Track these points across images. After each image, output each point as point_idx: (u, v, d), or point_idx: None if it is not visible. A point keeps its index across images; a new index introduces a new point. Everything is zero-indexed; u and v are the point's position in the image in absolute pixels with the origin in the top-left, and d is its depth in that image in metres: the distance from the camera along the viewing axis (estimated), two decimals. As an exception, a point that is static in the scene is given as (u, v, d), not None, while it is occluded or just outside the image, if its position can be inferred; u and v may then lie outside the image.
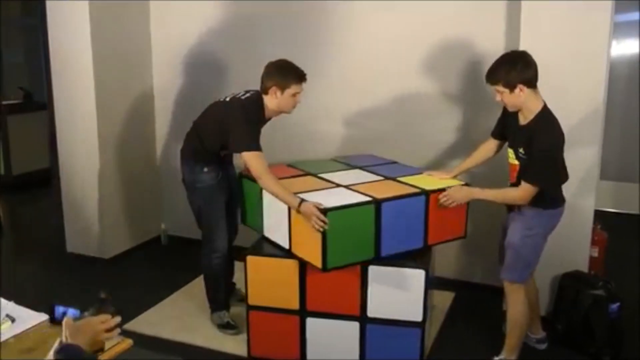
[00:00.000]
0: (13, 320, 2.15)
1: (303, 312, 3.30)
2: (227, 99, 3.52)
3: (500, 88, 3.00)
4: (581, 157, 3.66)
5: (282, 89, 3.34)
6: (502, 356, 3.29)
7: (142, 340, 3.13)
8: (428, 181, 3.40)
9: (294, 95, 3.38)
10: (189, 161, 3.64)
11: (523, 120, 3.08)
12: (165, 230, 5.29)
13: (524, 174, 3.03)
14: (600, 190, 3.81)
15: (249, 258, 3.31)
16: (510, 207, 3.25)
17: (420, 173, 3.58)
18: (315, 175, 3.55)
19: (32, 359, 2.00)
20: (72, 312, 2.19)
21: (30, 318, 2.20)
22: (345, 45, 4.44)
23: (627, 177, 6.02)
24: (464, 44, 4.12)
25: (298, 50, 4.24)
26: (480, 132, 3.84)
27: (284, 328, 3.36)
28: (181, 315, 3.95)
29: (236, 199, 3.75)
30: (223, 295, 3.85)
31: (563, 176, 3.16)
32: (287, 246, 3.26)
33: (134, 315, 3.92)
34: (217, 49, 4.86)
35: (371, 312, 3.23)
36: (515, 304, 3.21)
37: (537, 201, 3.06)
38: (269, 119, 3.55)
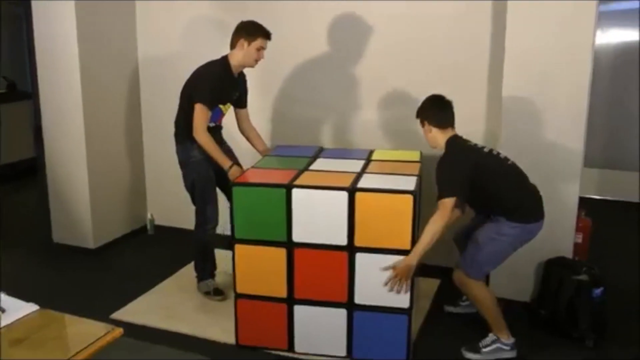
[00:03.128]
0: (3, 310, 2.13)
1: (291, 300, 3.31)
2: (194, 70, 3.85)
3: (420, 123, 3.38)
4: (566, 145, 3.71)
5: (249, 42, 3.68)
6: (493, 336, 3.37)
7: (130, 330, 3.11)
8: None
9: (258, 49, 3.71)
10: (180, 140, 3.89)
11: None
12: (152, 220, 5.28)
13: (438, 196, 3.16)
14: (584, 177, 3.85)
15: (238, 246, 3.31)
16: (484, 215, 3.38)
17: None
18: (309, 158, 3.72)
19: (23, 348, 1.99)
20: None
21: (21, 308, 2.17)
22: (334, 43, 4.48)
23: (610, 164, 6.08)
24: (451, 35, 4.15)
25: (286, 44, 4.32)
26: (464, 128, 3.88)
27: (271, 316, 3.36)
28: (169, 304, 3.95)
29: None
30: (210, 264, 4.06)
31: (512, 183, 3.28)
32: (346, 242, 3.17)
33: (121, 305, 3.92)
34: (203, 42, 4.84)
35: (358, 299, 3.24)
36: (475, 293, 3.36)
37: (512, 214, 3.21)
38: (237, 74, 3.85)
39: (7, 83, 7.43)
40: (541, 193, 3.46)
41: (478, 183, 3.19)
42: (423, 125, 3.35)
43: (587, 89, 3.65)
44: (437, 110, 3.33)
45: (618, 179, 6.06)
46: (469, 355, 3.37)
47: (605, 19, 5.63)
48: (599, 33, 5.38)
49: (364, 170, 3.48)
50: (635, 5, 6.00)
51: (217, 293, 4.00)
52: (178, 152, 3.92)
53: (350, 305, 3.27)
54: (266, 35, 3.71)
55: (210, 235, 3.95)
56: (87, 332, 2.05)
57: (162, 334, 3.62)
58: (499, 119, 3.84)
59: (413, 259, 3.10)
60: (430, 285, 4.14)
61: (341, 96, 4.57)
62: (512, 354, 3.35)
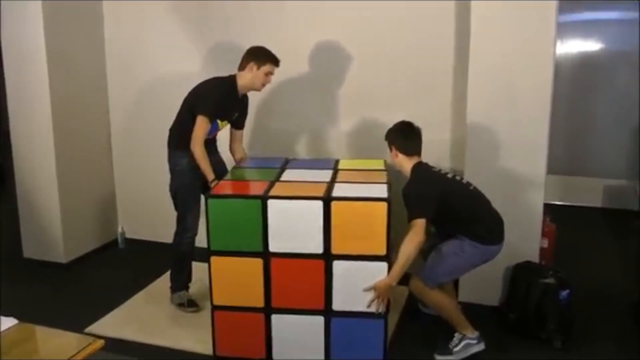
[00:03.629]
0: None
1: (268, 309, 3.34)
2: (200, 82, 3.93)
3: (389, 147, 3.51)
4: (530, 154, 3.81)
5: (259, 66, 3.78)
6: (459, 335, 3.47)
7: (105, 343, 3.14)
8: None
9: (267, 74, 3.81)
10: (171, 148, 3.95)
11: None
12: (123, 233, 5.27)
13: (408, 218, 3.26)
14: (548, 184, 3.97)
15: (213, 258, 3.33)
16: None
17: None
18: (279, 169, 3.75)
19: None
20: None
21: (0, 322, 2.18)
22: (304, 54, 4.55)
23: (574, 171, 6.23)
24: (415, 46, 4.25)
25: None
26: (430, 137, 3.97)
27: (249, 326, 3.38)
28: (142, 317, 3.96)
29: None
30: (185, 276, 4.08)
31: (472, 208, 3.42)
32: (322, 250, 3.22)
33: (95, 319, 3.91)
34: (170, 48, 4.88)
35: (336, 306, 3.29)
36: (432, 300, 3.49)
37: (474, 234, 3.36)
38: (242, 95, 3.93)
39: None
40: (506, 200, 3.63)
41: (444, 208, 3.30)
42: (390, 149, 3.49)
43: (549, 99, 3.76)
44: (405, 139, 3.46)
45: (581, 185, 6.21)
46: (442, 358, 3.46)
47: (566, 30, 5.80)
48: (559, 44, 5.55)
49: (334, 179, 3.54)
50: (592, 16, 6.20)
51: (191, 305, 4.01)
52: (168, 158, 3.97)
53: (327, 312, 3.32)
54: (275, 61, 3.81)
55: (188, 245, 3.97)
56: (68, 344, 2.08)
57: (138, 347, 3.63)
58: (465, 129, 3.93)
59: (393, 280, 3.20)
60: (401, 292, 4.19)
61: (309, 107, 4.64)
62: (481, 347, 3.47)
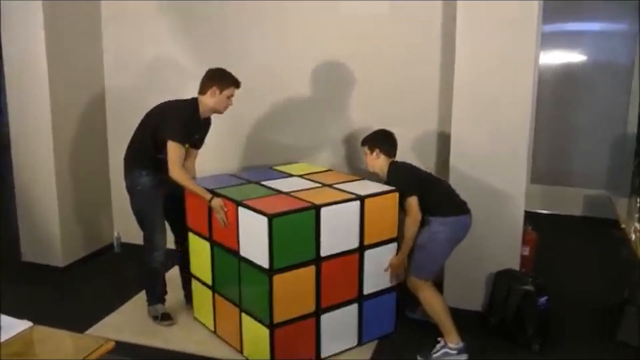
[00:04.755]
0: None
1: (318, 311, 3.52)
2: (167, 101, 3.93)
3: (366, 150, 3.85)
4: (512, 163, 3.98)
5: (221, 90, 3.76)
6: (442, 342, 3.65)
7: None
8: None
9: (229, 97, 3.80)
10: (129, 166, 3.95)
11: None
12: (119, 238, 5.40)
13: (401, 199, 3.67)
14: (531, 193, 4.13)
15: (276, 277, 3.29)
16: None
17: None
18: (257, 183, 3.84)
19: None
20: None
21: (15, 325, 2.30)
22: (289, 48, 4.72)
23: (555, 181, 6.42)
24: (401, 60, 4.41)
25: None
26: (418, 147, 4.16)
27: (302, 333, 3.51)
28: (141, 320, 4.09)
29: (175, 199, 3.94)
30: (160, 290, 4.15)
31: (447, 189, 3.83)
32: (357, 244, 3.58)
33: (94, 321, 4.04)
34: (167, 51, 5.03)
35: (366, 290, 3.69)
36: (428, 299, 3.68)
37: (438, 211, 3.65)
38: (204, 118, 3.91)
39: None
40: (488, 209, 3.92)
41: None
42: (372, 152, 3.83)
43: (530, 111, 3.93)
44: (390, 144, 3.86)
45: (563, 194, 6.40)
46: None
47: (549, 40, 5.95)
48: (542, 54, 5.72)
49: (323, 184, 3.81)
50: (576, 27, 6.34)
51: (165, 318, 4.05)
52: (125, 177, 3.96)
53: (360, 298, 3.68)
54: (237, 84, 3.80)
55: (159, 261, 4.02)
56: (80, 346, 2.22)
57: (138, 349, 3.74)
58: (449, 138, 4.10)
59: (404, 255, 3.69)
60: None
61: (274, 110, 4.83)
62: (462, 357, 3.61)
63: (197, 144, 4.03)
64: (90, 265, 5.11)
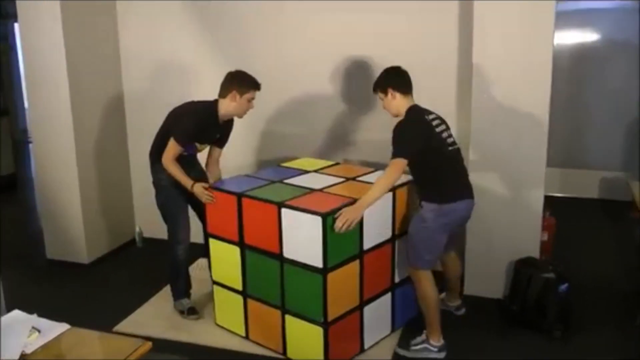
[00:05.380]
0: (39, 331, 2.34)
1: (361, 304, 3.58)
2: (191, 101, 4.00)
3: (380, 95, 3.57)
4: (530, 150, 3.99)
5: (242, 93, 3.77)
6: (424, 336, 3.65)
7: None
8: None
9: (249, 100, 3.81)
10: (154, 162, 4.00)
11: None
12: (140, 233, 5.48)
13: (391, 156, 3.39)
14: (546, 176, 4.08)
15: (330, 275, 3.30)
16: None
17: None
18: (280, 182, 3.82)
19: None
20: None
21: (54, 328, 2.35)
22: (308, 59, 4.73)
23: (570, 163, 6.42)
24: (419, 51, 4.39)
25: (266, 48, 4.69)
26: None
27: (350, 327, 3.57)
28: (168, 315, 4.16)
29: None
30: (184, 284, 4.21)
31: (447, 169, 3.52)
32: (390, 235, 3.65)
33: (121, 317, 4.12)
34: (184, 49, 5.06)
35: (397, 279, 3.81)
36: (424, 291, 3.57)
37: (428, 196, 3.49)
38: (222, 122, 3.92)
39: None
40: (508, 197, 3.91)
41: (416, 157, 3.42)
42: (386, 94, 3.53)
43: (549, 93, 3.91)
44: (400, 78, 3.56)
45: (579, 177, 6.41)
46: (399, 350, 3.68)
47: (562, 20, 5.87)
48: (555, 35, 5.68)
49: (346, 178, 3.85)
50: (590, 5, 6.24)
51: (191, 312, 4.12)
52: (152, 172, 4.06)
53: (392, 287, 3.79)
54: (257, 86, 3.80)
55: (183, 255, 4.08)
56: (119, 347, 2.27)
57: (169, 344, 3.80)
58: (469, 125, 4.10)
59: (362, 205, 3.32)
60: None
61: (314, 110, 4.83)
62: (440, 356, 3.60)
63: (218, 142, 4.08)
64: (114, 261, 5.20)
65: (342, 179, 3.82)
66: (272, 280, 3.54)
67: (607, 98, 6.28)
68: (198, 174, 3.99)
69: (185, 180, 3.78)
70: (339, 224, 3.21)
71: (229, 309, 3.90)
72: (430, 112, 3.54)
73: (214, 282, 3.95)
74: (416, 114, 3.50)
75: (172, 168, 3.80)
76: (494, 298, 4.19)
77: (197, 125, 3.82)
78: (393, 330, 3.86)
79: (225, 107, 3.82)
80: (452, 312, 4.02)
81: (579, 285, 4.05)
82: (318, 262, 3.27)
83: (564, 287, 3.79)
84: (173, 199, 4.00)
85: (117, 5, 5.18)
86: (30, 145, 9.24)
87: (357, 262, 3.47)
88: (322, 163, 4.23)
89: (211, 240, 3.87)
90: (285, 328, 3.58)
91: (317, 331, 3.39)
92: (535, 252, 4.12)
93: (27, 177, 7.88)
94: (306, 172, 4.02)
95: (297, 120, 4.89)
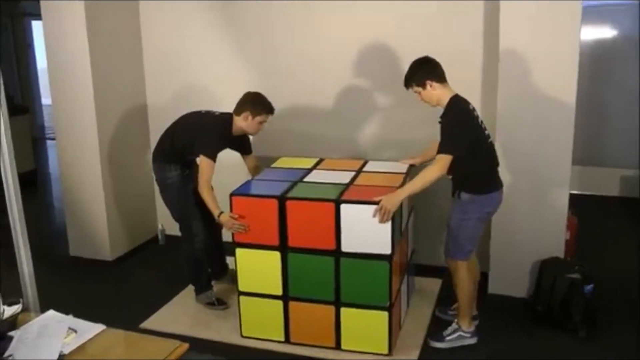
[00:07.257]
0: (75, 332, 2.36)
1: (391, 306, 3.61)
2: (203, 112, 4.14)
3: (416, 89, 3.48)
4: (556, 147, 3.98)
5: (254, 115, 3.92)
6: (455, 325, 3.72)
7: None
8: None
9: (261, 122, 3.96)
10: (159, 161, 4.13)
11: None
12: (163, 230, 5.51)
13: (438, 150, 3.36)
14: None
15: (394, 259, 3.48)
16: (452, 193, 3.62)
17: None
18: (302, 181, 3.85)
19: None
20: None
21: (90, 328, 2.35)
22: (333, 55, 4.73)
23: (590, 161, 6.38)
24: (445, 43, 4.33)
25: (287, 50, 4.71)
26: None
27: (397, 306, 3.71)
28: (193, 313, 4.18)
29: None
30: (206, 276, 4.30)
31: (487, 160, 3.53)
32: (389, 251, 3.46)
33: (146, 314, 4.15)
34: (207, 47, 5.09)
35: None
36: (462, 280, 3.65)
37: (470, 187, 3.49)
38: (236, 135, 4.06)
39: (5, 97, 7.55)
40: (533, 196, 3.95)
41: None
42: (424, 86, 3.44)
43: (575, 91, 3.90)
44: (434, 67, 3.47)
45: (598, 175, 6.39)
46: (434, 344, 3.72)
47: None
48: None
49: (364, 171, 4.00)
50: (609, 2, 6.20)
51: (220, 302, 4.20)
52: (155, 170, 4.16)
53: (408, 270, 4.04)
54: (270, 111, 3.95)
55: (200, 248, 4.15)
56: (156, 349, 2.26)
57: (195, 342, 3.67)
58: (494, 122, 4.06)
59: (401, 194, 3.39)
60: (433, 284, 4.47)
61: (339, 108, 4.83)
62: (473, 341, 3.71)
63: (242, 149, 4.22)
64: (137, 259, 5.24)
65: (353, 172, 3.93)
66: (324, 276, 3.58)
67: (627, 95, 6.24)
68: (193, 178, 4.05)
69: (214, 208, 3.81)
70: (380, 216, 3.32)
71: (261, 318, 3.80)
72: (469, 102, 3.52)
73: (241, 293, 3.79)
74: (462, 105, 3.46)
75: (206, 193, 3.83)
76: (519, 297, 4.20)
77: (220, 139, 3.95)
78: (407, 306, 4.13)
79: (238, 124, 3.97)
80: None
81: (602, 284, 4.04)
82: (386, 250, 3.41)
83: (589, 287, 3.80)
84: (183, 194, 4.08)
85: (140, 5, 5.22)
86: (48, 141, 9.40)
87: (404, 242, 3.80)
88: (308, 161, 4.27)
89: (239, 250, 3.72)
90: (340, 321, 3.63)
91: (382, 316, 3.53)
92: (559, 252, 4.12)
93: (46, 173, 7.96)
94: (309, 170, 4.06)
95: (325, 118, 4.91)
